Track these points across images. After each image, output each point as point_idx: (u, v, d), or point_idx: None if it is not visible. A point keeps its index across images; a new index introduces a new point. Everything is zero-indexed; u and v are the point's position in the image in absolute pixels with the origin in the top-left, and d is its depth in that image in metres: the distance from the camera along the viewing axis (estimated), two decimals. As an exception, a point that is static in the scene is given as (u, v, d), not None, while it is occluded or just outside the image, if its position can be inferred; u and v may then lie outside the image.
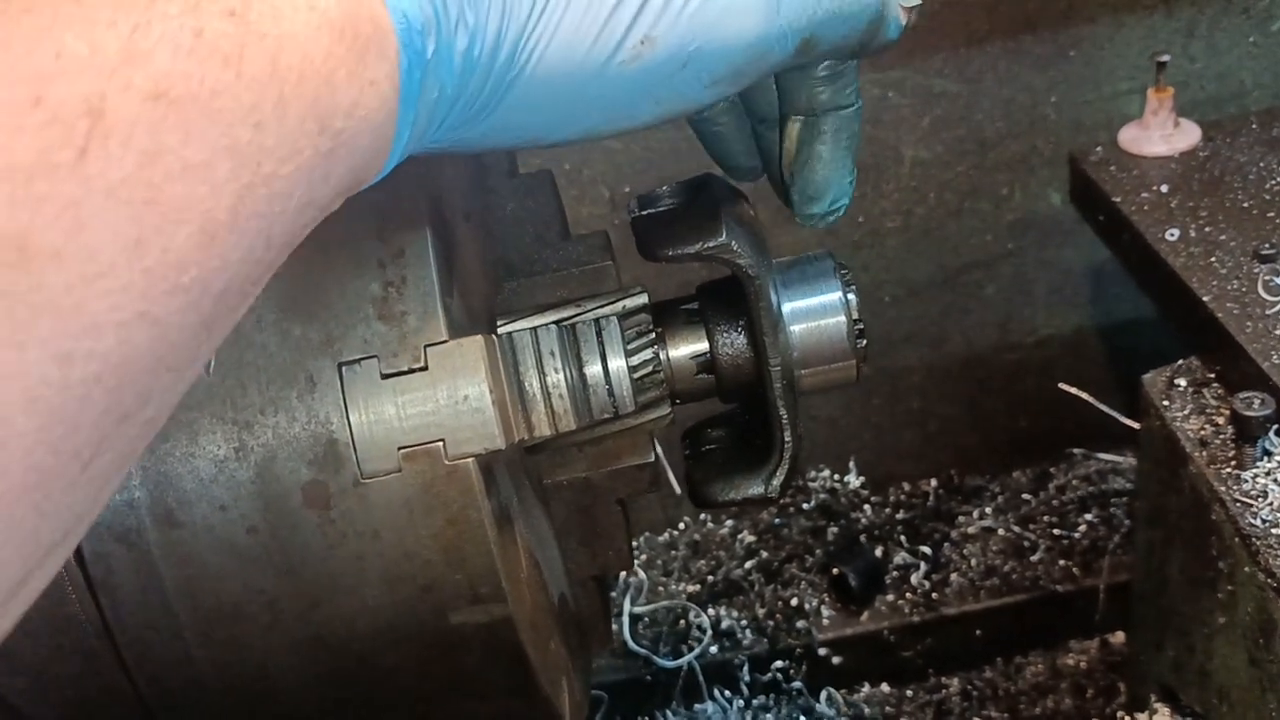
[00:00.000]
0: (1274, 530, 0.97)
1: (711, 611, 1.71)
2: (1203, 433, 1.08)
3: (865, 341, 0.79)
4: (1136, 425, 1.20)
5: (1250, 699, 1.05)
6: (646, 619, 1.70)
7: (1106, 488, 1.76)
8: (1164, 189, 1.29)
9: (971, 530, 1.77)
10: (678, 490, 1.61)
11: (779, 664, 1.67)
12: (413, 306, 0.61)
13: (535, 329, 0.69)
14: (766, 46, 0.57)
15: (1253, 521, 0.98)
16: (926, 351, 1.78)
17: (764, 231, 0.79)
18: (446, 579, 0.62)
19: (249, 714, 0.67)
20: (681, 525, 1.83)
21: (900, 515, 1.80)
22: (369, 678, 0.66)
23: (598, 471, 0.80)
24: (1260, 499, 0.99)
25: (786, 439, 0.77)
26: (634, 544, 1.82)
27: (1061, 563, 1.70)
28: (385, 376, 0.61)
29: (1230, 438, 1.05)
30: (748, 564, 1.76)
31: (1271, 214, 1.22)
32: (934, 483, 1.84)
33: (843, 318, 0.77)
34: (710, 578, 1.76)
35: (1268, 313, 1.09)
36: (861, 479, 1.82)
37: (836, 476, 1.82)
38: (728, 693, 1.64)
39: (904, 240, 1.69)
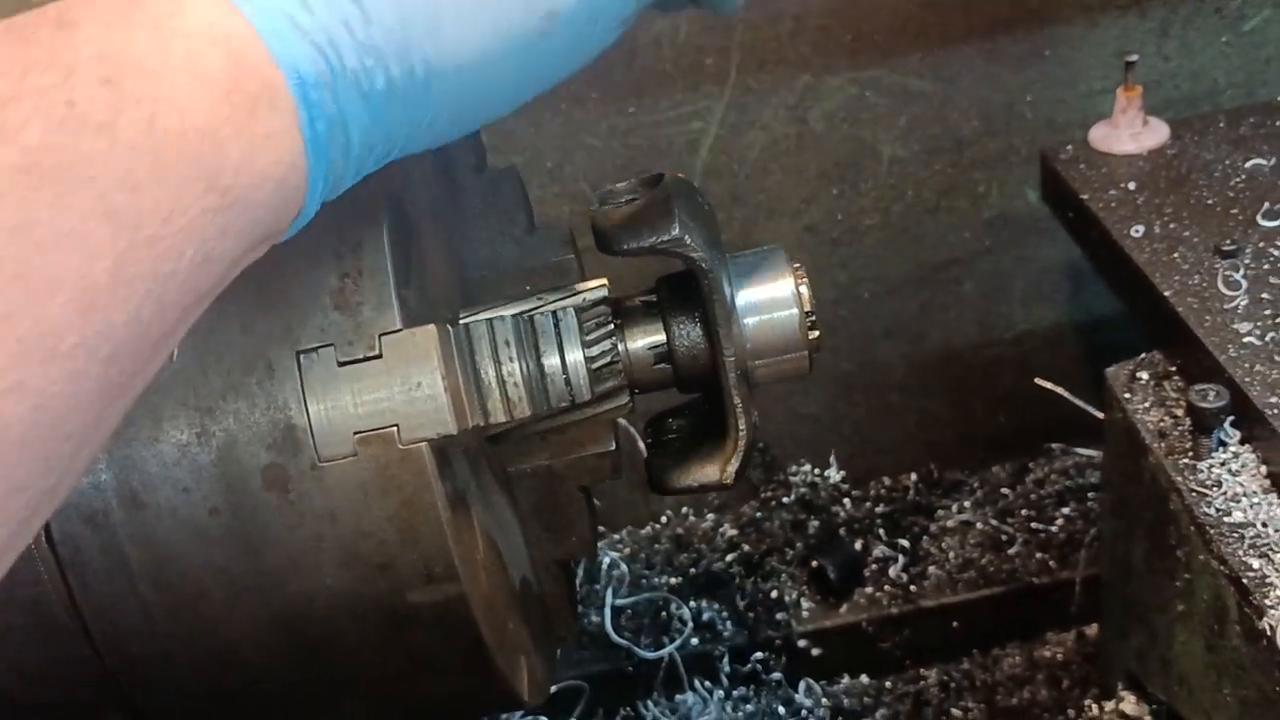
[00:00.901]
0: (1226, 519, 0.99)
1: (693, 603, 1.73)
2: (1162, 424, 1.10)
3: (818, 333, 0.81)
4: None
5: (1207, 684, 1.07)
6: (629, 611, 1.72)
7: (1084, 481, 1.78)
8: (1131, 186, 1.32)
9: (950, 524, 1.79)
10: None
11: (759, 655, 1.69)
12: (368, 297, 0.63)
13: (491, 320, 0.71)
14: None
15: (1207, 510, 1.00)
16: (906, 347, 1.81)
17: (719, 226, 0.82)
18: (402, 558, 0.65)
19: (216, 689, 0.69)
20: (664, 519, 1.85)
21: (880, 509, 1.82)
22: (330, 654, 0.68)
23: (560, 460, 0.82)
24: (1215, 489, 1.02)
25: (741, 427, 0.80)
26: (617, 537, 1.85)
27: (1039, 556, 1.73)
28: (341, 364, 0.63)
29: (1188, 429, 1.07)
30: (729, 557, 1.78)
31: (1235, 210, 1.25)
32: (914, 477, 1.86)
33: (795, 310, 0.79)
34: (692, 570, 1.78)
35: (1226, 307, 1.11)
36: (842, 473, 1.84)
37: (817, 471, 1.84)
38: (708, 683, 1.66)
39: (882, 237, 1.72)
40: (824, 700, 1.69)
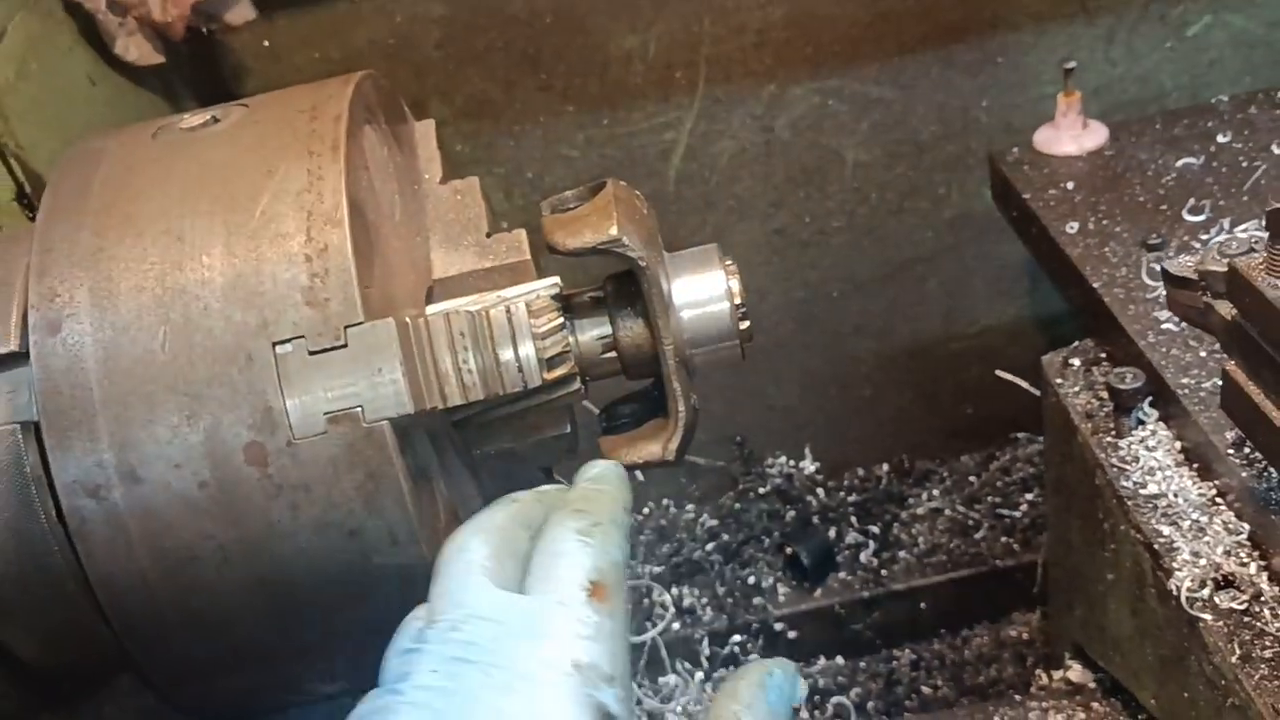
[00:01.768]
0: (1142, 491, 1.07)
1: (674, 590, 1.82)
2: (1089, 406, 1.18)
3: (748, 324, 0.89)
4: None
5: (1134, 648, 1.15)
6: (613, 598, 1.80)
7: (1046, 468, 1.86)
8: (1070, 186, 1.40)
9: (920, 511, 1.88)
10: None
11: (737, 639, 1.78)
12: (335, 294, 0.72)
13: (448, 314, 0.79)
14: None
15: (1126, 484, 1.09)
16: (875, 343, 1.89)
17: (657, 226, 0.90)
18: (368, 525, 0.73)
19: (207, 647, 0.78)
20: (647, 510, 1.94)
21: (853, 498, 1.90)
22: (308, 614, 0.76)
23: (520, 443, 0.90)
24: (1134, 464, 1.10)
25: (681, 410, 0.88)
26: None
27: (1003, 539, 1.81)
28: (312, 353, 0.71)
29: (1111, 410, 1.15)
30: (708, 545, 1.86)
31: (1164, 207, 1.33)
32: (885, 467, 1.94)
33: (726, 303, 0.87)
34: (674, 559, 1.86)
35: (1149, 296, 1.19)
36: (816, 464, 1.92)
37: (792, 462, 1.93)
38: (688, 665, 1.75)
39: (849, 238, 1.80)
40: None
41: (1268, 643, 0.91)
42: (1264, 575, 0.96)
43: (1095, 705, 1.30)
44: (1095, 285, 1.23)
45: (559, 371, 0.85)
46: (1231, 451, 1.00)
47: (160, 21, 1.29)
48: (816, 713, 1.68)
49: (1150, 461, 1.09)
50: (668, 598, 1.80)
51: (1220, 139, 1.41)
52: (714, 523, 1.90)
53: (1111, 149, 1.45)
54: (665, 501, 1.94)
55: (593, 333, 0.89)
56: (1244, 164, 1.35)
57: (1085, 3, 1.65)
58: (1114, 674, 1.25)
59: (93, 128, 0.88)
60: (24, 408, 0.78)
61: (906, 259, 1.82)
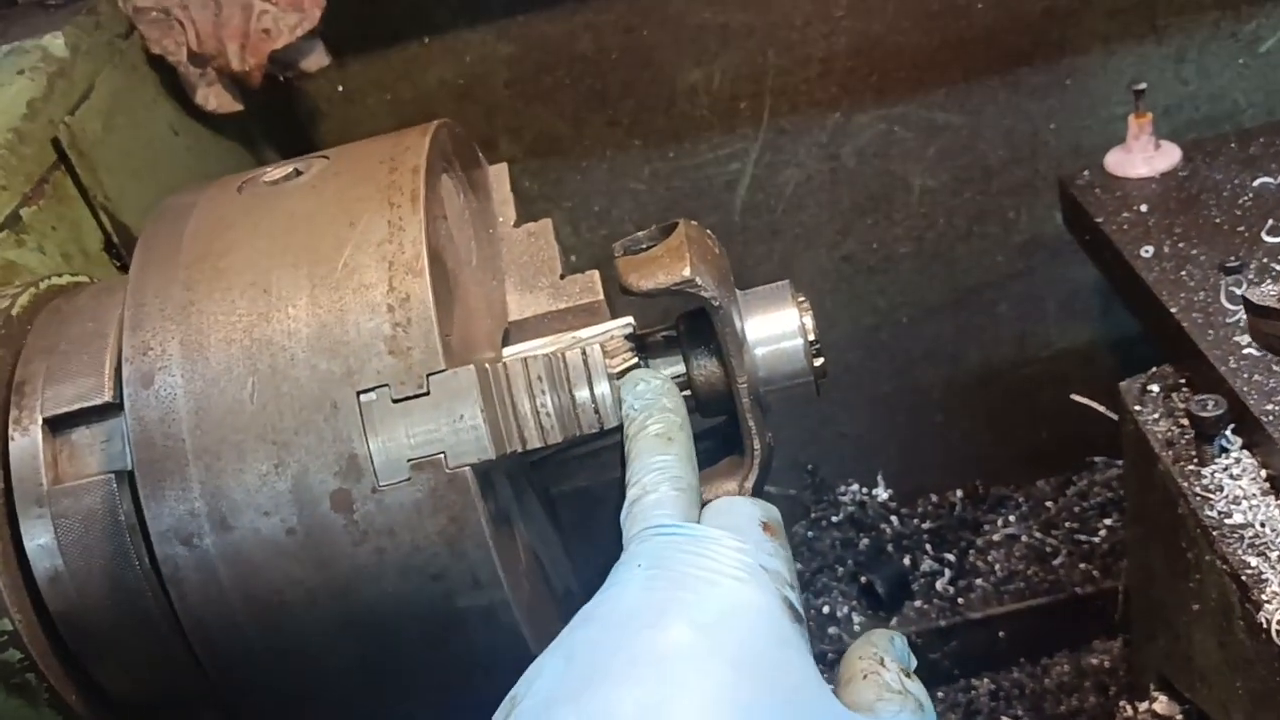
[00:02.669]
0: (1227, 521, 1.05)
1: (748, 620, 1.81)
2: (1170, 434, 1.17)
3: (822, 360, 0.89)
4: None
5: (1222, 680, 1.13)
6: (687, 628, 1.80)
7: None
8: (1143, 208, 1.38)
9: (996, 537, 1.85)
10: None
11: (813, 669, 1.76)
12: (417, 342, 0.73)
13: (525, 359, 0.81)
14: None
15: (1210, 514, 1.07)
16: (946, 368, 1.88)
17: (729, 265, 0.90)
18: (452, 569, 0.74)
19: (294, 688, 0.79)
20: (719, 539, 1.93)
21: (927, 525, 1.89)
22: (393, 656, 0.78)
23: (597, 481, 0.91)
24: (1217, 492, 1.08)
25: (756, 447, 0.88)
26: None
27: (1082, 566, 1.78)
28: (395, 401, 0.73)
29: (1193, 438, 1.13)
30: (782, 575, 1.85)
31: (1241, 229, 1.31)
32: (959, 493, 1.92)
33: (800, 340, 0.87)
34: (747, 589, 1.86)
35: (1228, 320, 1.17)
36: (889, 491, 1.91)
37: (865, 490, 1.92)
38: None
39: (917, 264, 1.79)
40: (877, 711, 1.76)
41: (1363, 677, 0.89)
42: (1357, 607, 0.93)
43: (1183, 738, 1.27)
44: (1173, 310, 1.21)
45: (635, 411, 0.85)
46: (1324, 481, 0.98)
47: (239, 71, 1.33)
48: (895, 744, 1.66)
49: (1235, 490, 1.07)
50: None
51: (1298, 157, 1.39)
52: (786, 552, 1.89)
53: (1185, 170, 1.43)
54: (737, 530, 1.94)
55: (666, 372, 0.89)
56: (1324, 183, 1.33)
57: (1154, 22, 1.64)
58: (1201, 706, 1.23)
59: (180, 180, 0.91)
60: (118, 457, 0.81)
61: (976, 284, 1.81)
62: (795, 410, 1.85)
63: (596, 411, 0.83)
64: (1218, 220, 1.33)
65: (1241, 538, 1.03)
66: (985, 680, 1.78)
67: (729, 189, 1.73)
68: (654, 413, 0.79)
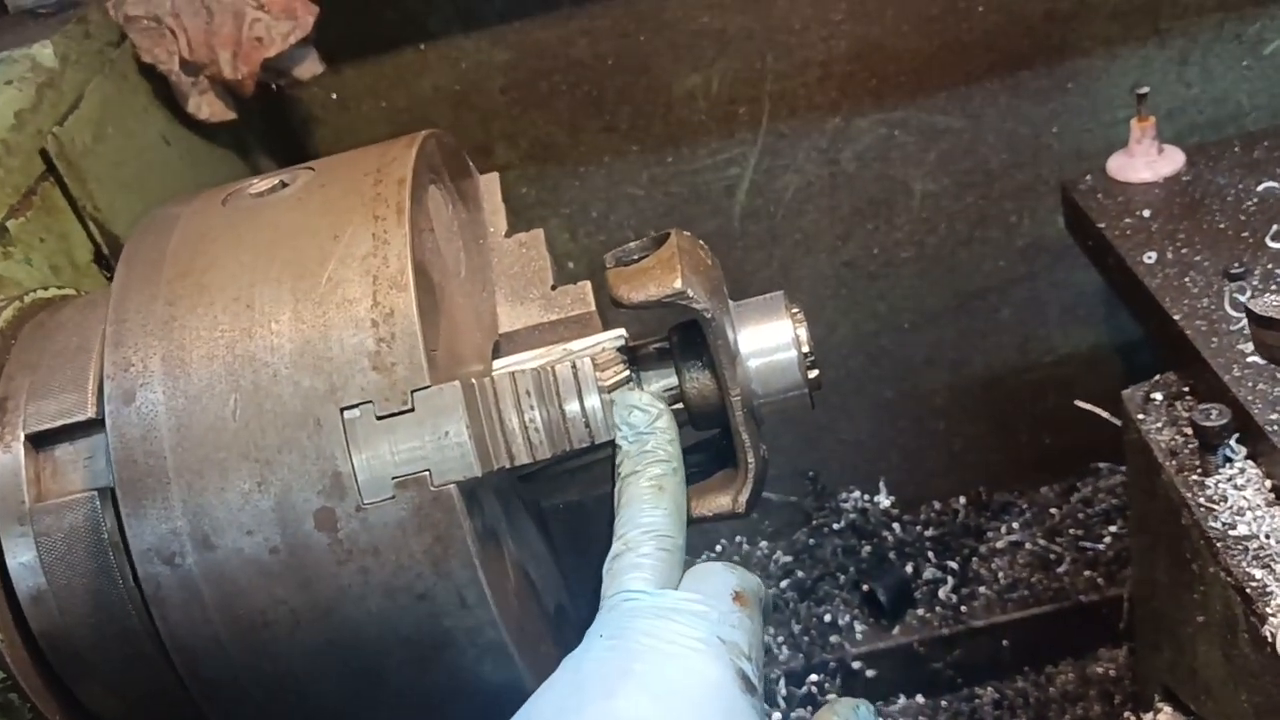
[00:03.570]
0: (1231, 532, 1.03)
1: (749, 629, 1.80)
2: (1173, 443, 1.15)
3: (817, 372, 0.88)
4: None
5: (1226, 693, 1.11)
6: (687, 637, 1.79)
7: (1130, 500, 1.81)
8: (1146, 214, 1.37)
9: (1000, 545, 1.84)
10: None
11: (814, 678, 1.75)
12: (401, 359, 0.72)
13: (513, 373, 0.79)
14: None
15: (1214, 524, 1.05)
16: (948, 374, 1.86)
17: (722, 275, 0.89)
18: (437, 588, 0.73)
19: (281, 709, 0.78)
20: (719, 547, 1.92)
21: (929, 532, 1.87)
22: (379, 676, 0.76)
23: (588, 495, 0.90)
24: (1221, 503, 1.06)
25: (750, 461, 0.87)
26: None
27: (1087, 573, 1.76)
28: (380, 418, 0.72)
29: (1196, 447, 1.11)
30: (783, 583, 1.84)
31: (1245, 234, 1.29)
32: (962, 500, 1.91)
33: (794, 352, 0.86)
34: (748, 597, 1.84)
35: (1232, 328, 1.16)
36: (891, 499, 1.89)
37: (867, 497, 1.90)
38: (766, 706, 1.72)
39: (918, 269, 1.78)
40: (880, 720, 1.74)
41: (1369, 693, 0.88)
42: (1363, 621, 0.92)
43: (1188, 750, 1.26)
44: (1176, 317, 1.20)
45: (626, 425, 0.84)
46: (1328, 492, 0.96)
47: (231, 79, 1.32)
48: (898, 754, 1.65)
49: (1239, 501, 1.05)
50: (743, 636, 1.77)
51: (1303, 161, 1.37)
52: (788, 559, 1.88)
53: (1189, 174, 1.41)
54: (738, 538, 1.93)
55: (659, 384, 0.88)
56: (1329, 187, 1.31)
57: (1157, 25, 1.62)
58: (1206, 718, 1.21)
59: (172, 190, 0.89)
60: (101, 474, 0.79)
61: (978, 289, 1.80)
62: (796, 417, 1.84)
63: (587, 425, 0.82)
64: (1222, 225, 1.31)
65: (1246, 549, 1.01)
66: (989, 689, 1.77)
67: (728, 194, 1.71)
68: (645, 458, 0.80)
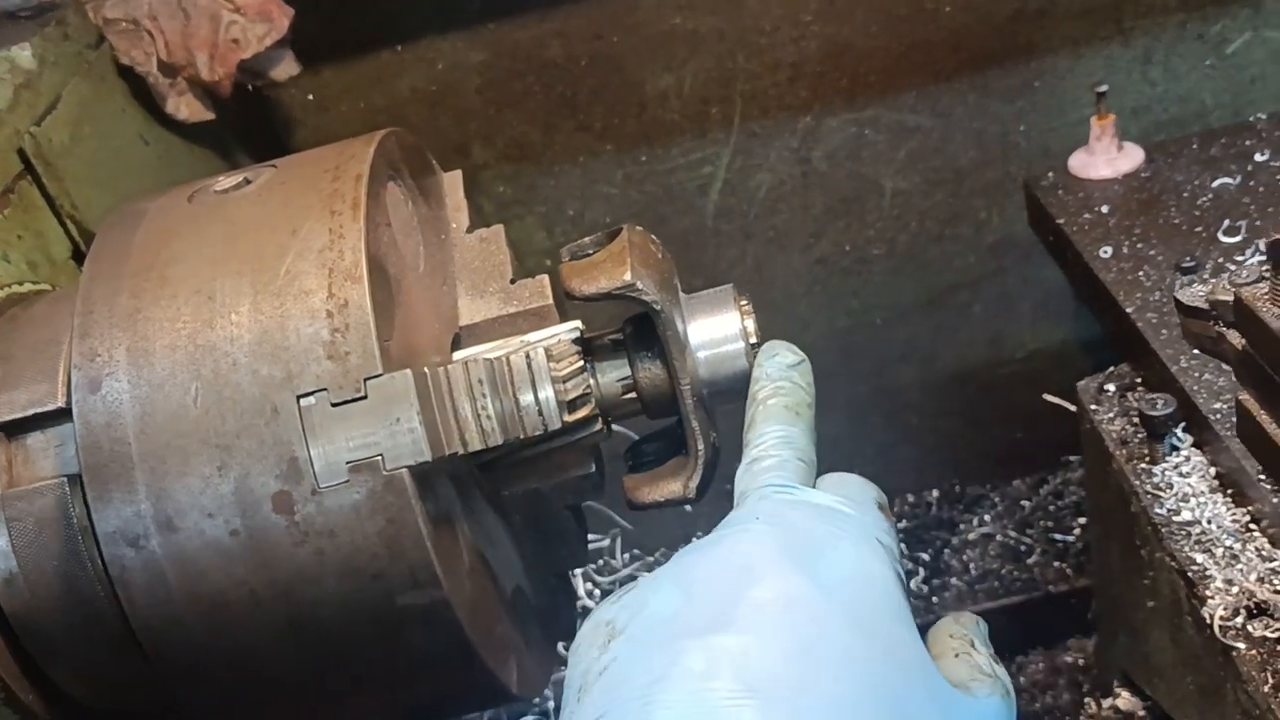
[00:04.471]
0: (1176, 518, 1.06)
1: (725, 620, 1.82)
2: (1123, 433, 1.18)
3: (764, 362, 0.90)
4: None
5: (1176, 676, 1.14)
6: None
7: (1100, 492, 1.84)
8: (1104, 209, 1.40)
9: (972, 536, 1.87)
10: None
11: (790, 668, 1.77)
12: (355, 348, 0.75)
13: (466, 363, 0.82)
14: None
15: (1159, 511, 1.08)
16: (920, 370, 1.89)
17: (673, 269, 0.92)
18: (391, 568, 0.76)
19: (244, 687, 0.81)
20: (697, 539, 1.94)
21: (903, 524, 1.90)
22: (335, 654, 0.79)
23: (546, 482, 0.93)
24: (1167, 490, 1.09)
25: (700, 448, 0.90)
26: (651, 559, 1.95)
27: (1056, 564, 1.79)
28: (334, 405, 0.75)
29: (1145, 437, 1.14)
30: (759, 575, 1.87)
31: (1199, 229, 1.32)
32: (935, 493, 1.94)
33: (741, 343, 0.89)
34: (724, 589, 1.87)
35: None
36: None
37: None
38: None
39: (890, 266, 1.81)
40: (853, 709, 1.77)
41: (1302, 671, 0.90)
42: (1297, 603, 0.95)
43: (1144, 734, 1.29)
44: (1128, 310, 1.23)
45: (580, 413, 0.87)
46: (1263, 477, 0.99)
47: (208, 81, 1.35)
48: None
49: (1184, 488, 1.08)
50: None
51: (1258, 157, 1.40)
52: (764, 552, 1.90)
53: (1147, 171, 1.44)
54: (715, 532, 1.95)
55: (613, 375, 0.91)
56: (1281, 183, 1.34)
57: (1121, 24, 1.65)
58: (1160, 702, 1.24)
59: (150, 189, 0.92)
60: (71, 461, 0.82)
61: (949, 285, 1.82)
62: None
63: (541, 414, 0.85)
64: (1177, 221, 1.34)
65: (1189, 535, 1.04)
66: (960, 679, 1.79)
67: (701, 193, 1.74)
68: (786, 384, 0.79)
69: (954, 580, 1.81)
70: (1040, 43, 1.66)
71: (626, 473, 0.97)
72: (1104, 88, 1.44)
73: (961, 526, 1.88)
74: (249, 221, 0.82)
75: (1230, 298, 0.79)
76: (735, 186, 1.74)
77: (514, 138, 1.67)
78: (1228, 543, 1.01)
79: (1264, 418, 0.80)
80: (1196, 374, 1.12)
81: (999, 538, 1.84)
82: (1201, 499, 1.06)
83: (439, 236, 0.97)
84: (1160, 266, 1.27)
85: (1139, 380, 1.23)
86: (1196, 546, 1.03)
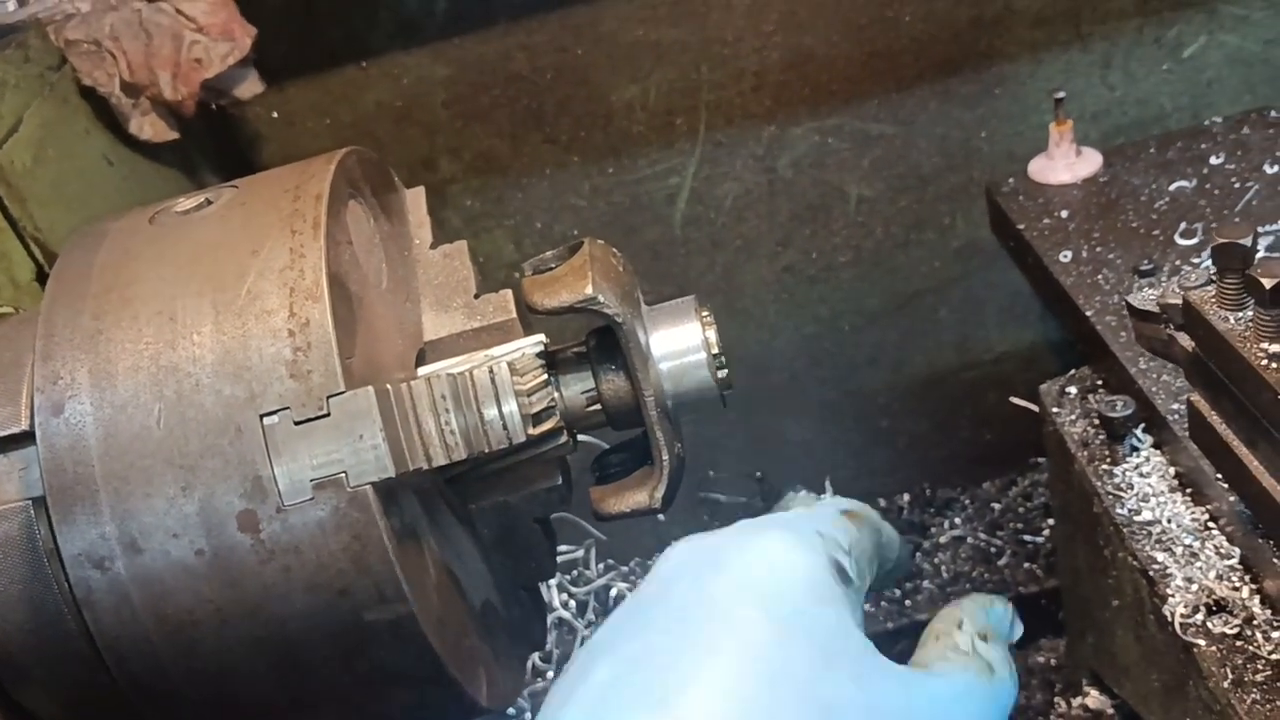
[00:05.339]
0: (1137, 518, 1.08)
1: (700, 627, 1.83)
2: (1085, 434, 1.20)
3: (726, 372, 0.92)
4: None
5: (1140, 673, 1.16)
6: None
7: (1068, 493, 1.86)
8: (1064, 214, 1.41)
9: (943, 539, 1.88)
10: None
11: (764, 673, 1.78)
12: (317, 366, 0.75)
13: (429, 378, 0.83)
14: None
15: (1121, 511, 1.10)
16: (889, 374, 1.91)
17: (634, 282, 0.93)
18: (357, 584, 0.76)
19: (212, 705, 0.81)
20: (671, 549, 1.95)
21: (875, 529, 1.91)
22: (304, 670, 0.79)
23: (514, 495, 0.94)
24: (1128, 490, 1.11)
25: (665, 458, 0.91)
26: (626, 568, 1.96)
27: (1027, 566, 1.81)
28: (297, 423, 0.75)
29: (1106, 438, 1.16)
30: (733, 582, 1.88)
31: (1156, 232, 1.34)
32: (906, 497, 1.95)
33: (704, 354, 0.90)
34: (699, 596, 1.88)
35: (1139, 323, 1.20)
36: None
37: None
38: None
39: (857, 272, 1.82)
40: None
41: (1260, 666, 0.92)
42: (1255, 599, 0.96)
43: (1112, 731, 1.30)
44: (1088, 313, 1.24)
45: (545, 426, 0.88)
46: (1219, 477, 1.00)
47: (172, 100, 1.35)
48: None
49: (1144, 488, 1.10)
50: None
51: (1213, 161, 1.42)
52: (738, 559, 1.91)
53: (1106, 175, 1.46)
54: (690, 540, 1.96)
55: (577, 387, 0.92)
56: (1236, 185, 1.36)
57: (1079, 30, 1.67)
58: (1126, 699, 1.26)
59: (116, 209, 0.92)
60: (35, 484, 0.82)
61: (916, 290, 1.84)
62: (742, 419, 1.88)
63: (505, 428, 0.85)
64: (1134, 224, 1.36)
65: (1150, 534, 1.06)
66: (934, 681, 1.80)
67: (669, 203, 1.75)
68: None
69: (926, 583, 1.82)
70: (1000, 49, 1.68)
71: (593, 484, 0.98)
72: (1061, 94, 1.46)
73: (933, 530, 1.90)
74: (210, 242, 0.83)
75: (1179, 301, 0.81)
76: (702, 196, 1.75)
77: (481, 151, 1.68)
78: (1187, 541, 1.03)
79: (1214, 419, 0.81)
80: (1155, 375, 1.14)
81: (970, 540, 1.86)
82: (1161, 499, 1.08)
83: (402, 253, 0.97)
84: (1119, 270, 1.29)
85: (1100, 382, 1.25)
86: (1157, 545, 1.04)
